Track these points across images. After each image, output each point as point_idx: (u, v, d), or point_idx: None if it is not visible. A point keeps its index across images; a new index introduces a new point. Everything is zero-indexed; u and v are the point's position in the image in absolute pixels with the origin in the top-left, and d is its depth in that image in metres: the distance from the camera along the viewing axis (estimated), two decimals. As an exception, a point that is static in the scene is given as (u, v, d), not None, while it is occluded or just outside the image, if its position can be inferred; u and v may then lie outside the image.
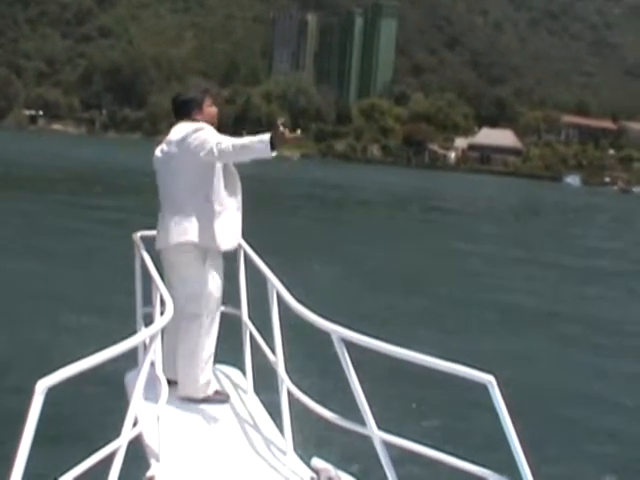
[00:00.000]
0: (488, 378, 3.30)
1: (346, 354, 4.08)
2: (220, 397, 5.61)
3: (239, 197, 5.71)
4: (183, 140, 5.55)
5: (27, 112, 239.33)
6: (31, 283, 18.30)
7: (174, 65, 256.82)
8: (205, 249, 5.48)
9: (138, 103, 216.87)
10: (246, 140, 5.30)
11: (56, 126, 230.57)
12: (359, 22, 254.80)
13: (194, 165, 5.49)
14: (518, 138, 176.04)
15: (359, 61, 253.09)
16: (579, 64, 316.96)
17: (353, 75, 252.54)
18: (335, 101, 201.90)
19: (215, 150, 5.36)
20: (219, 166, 5.55)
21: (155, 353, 4.48)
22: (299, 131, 5.70)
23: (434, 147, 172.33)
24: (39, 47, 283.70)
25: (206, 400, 5.49)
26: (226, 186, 5.60)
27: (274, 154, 5.20)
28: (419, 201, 63.18)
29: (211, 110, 5.95)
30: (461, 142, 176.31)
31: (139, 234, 5.86)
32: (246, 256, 5.75)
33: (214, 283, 5.53)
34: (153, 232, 5.78)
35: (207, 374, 5.56)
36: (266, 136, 5.18)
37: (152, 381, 4.53)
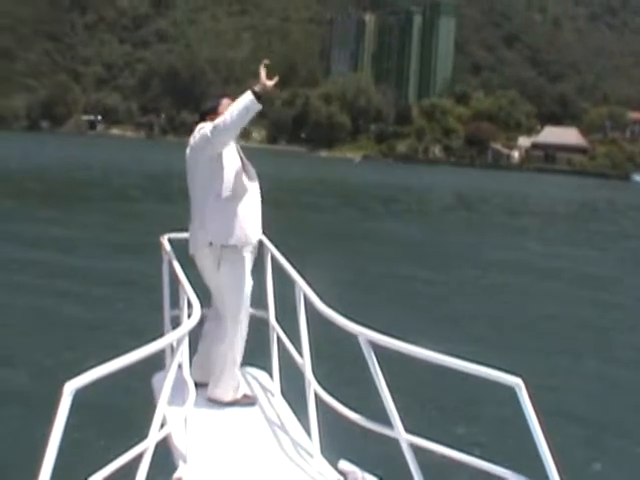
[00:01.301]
0: (516, 381, 3.32)
1: (373, 356, 4.11)
2: (248, 400, 5.61)
3: (254, 193, 5.61)
4: (192, 141, 5.64)
5: (86, 117, 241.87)
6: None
7: (232, 67, 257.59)
8: (221, 249, 5.43)
9: (196, 106, 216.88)
10: (233, 105, 5.33)
11: (115, 131, 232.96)
12: (417, 21, 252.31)
13: (202, 164, 5.50)
14: (582, 136, 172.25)
15: (418, 60, 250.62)
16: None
17: (412, 75, 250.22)
18: (395, 101, 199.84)
19: (209, 133, 5.39)
20: (228, 163, 5.47)
21: (182, 355, 4.64)
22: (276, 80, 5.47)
23: (497, 146, 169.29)
24: (97, 53, 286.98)
25: (234, 403, 5.52)
26: (238, 183, 5.49)
27: (260, 106, 5.24)
28: (493, 202, 61.31)
29: (223, 113, 5.59)
30: (524, 141, 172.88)
31: (167, 236, 5.88)
32: (273, 258, 5.73)
33: (235, 283, 5.46)
34: (181, 234, 5.90)
35: (235, 377, 5.58)
36: (248, 91, 5.24)
37: (179, 383, 4.52)
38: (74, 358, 11.90)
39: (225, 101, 5.77)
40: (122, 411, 10.02)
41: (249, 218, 5.54)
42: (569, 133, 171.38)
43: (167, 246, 5.80)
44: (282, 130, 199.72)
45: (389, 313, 16.59)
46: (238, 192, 5.50)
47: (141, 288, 17.59)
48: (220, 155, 5.49)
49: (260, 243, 5.81)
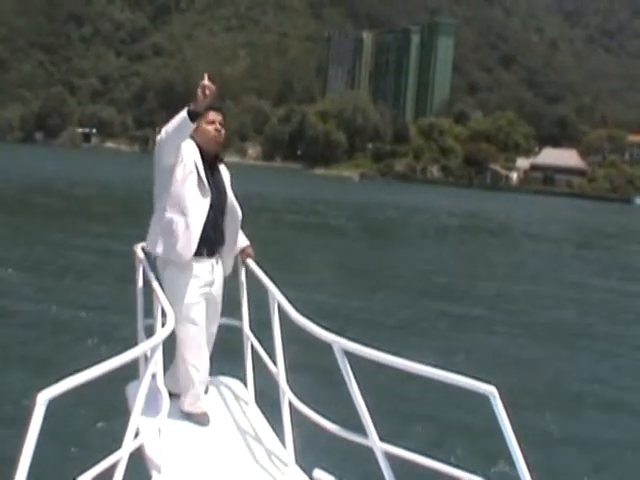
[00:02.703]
0: (490, 389, 3.32)
1: (348, 365, 4.14)
2: (199, 419, 5.41)
3: (203, 207, 5.43)
4: None
5: (81, 130, 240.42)
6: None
7: (228, 83, 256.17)
8: (168, 260, 5.42)
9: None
10: (170, 122, 5.21)
11: (109, 144, 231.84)
12: (415, 40, 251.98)
13: (157, 175, 5.50)
14: (581, 158, 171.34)
15: (415, 80, 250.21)
16: (637, 82, 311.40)
17: (409, 94, 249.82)
18: (392, 120, 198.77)
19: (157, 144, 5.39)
20: (179, 178, 5.36)
21: (156, 365, 4.62)
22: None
23: (496, 167, 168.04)
24: (93, 65, 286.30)
25: (188, 415, 5.42)
26: (184, 198, 5.37)
27: (193, 125, 5.15)
28: (495, 226, 59.68)
29: (204, 129, 5.55)
30: (523, 162, 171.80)
31: (140, 245, 5.74)
32: (247, 267, 5.80)
33: (174, 294, 5.33)
34: None
35: (190, 388, 5.45)
36: (184, 109, 5.12)
37: (154, 393, 4.58)
38: (47, 368, 11.86)
39: (211, 115, 5.57)
40: (96, 421, 9.93)
41: (184, 234, 5.36)
42: (568, 155, 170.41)
43: (140, 254, 5.68)
44: (278, 147, 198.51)
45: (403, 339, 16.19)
46: (181, 207, 5.37)
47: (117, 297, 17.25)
48: (172, 168, 5.36)
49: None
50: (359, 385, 4.11)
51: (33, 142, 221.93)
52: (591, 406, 13.31)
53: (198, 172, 5.43)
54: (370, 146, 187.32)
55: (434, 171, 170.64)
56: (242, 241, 5.91)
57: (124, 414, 4.40)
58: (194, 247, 5.41)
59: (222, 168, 5.75)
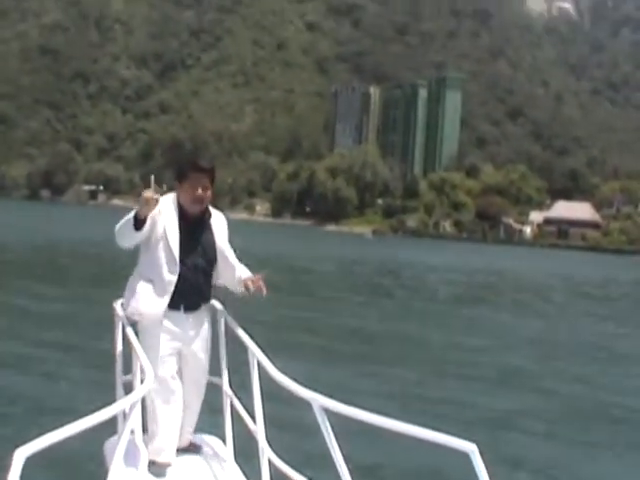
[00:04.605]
0: (470, 447, 3.29)
1: (327, 423, 4.13)
2: (157, 469, 5.38)
3: (172, 270, 5.48)
4: None
5: (87, 187, 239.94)
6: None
7: (235, 140, 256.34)
8: (133, 320, 5.55)
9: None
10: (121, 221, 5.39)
11: (116, 201, 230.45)
12: (423, 94, 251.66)
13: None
14: (595, 210, 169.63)
15: (423, 134, 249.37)
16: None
17: (417, 148, 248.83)
18: (402, 175, 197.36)
19: None
20: (152, 242, 5.48)
21: (135, 421, 4.69)
22: (156, 194, 5.29)
23: (509, 221, 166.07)
24: (99, 122, 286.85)
25: (149, 464, 5.30)
26: (156, 260, 5.47)
27: (138, 234, 5.31)
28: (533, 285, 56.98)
29: (186, 191, 5.53)
30: (536, 216, 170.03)
31: (119, 301, 5.80)
32: (227, 325, 5.82)
33: (146, 350, 5.24)
34: None
35: (154, 441, 5.48)
36: (132, 212, 5.28)
37: (132, 449, 4.59)
38: (22, 426, 11.48)
39: (194, 177, 5.49)
40: (74, 478, 9.84)
41: (150, 296, 5.47)
42: (581, 208, 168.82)
43: (120, 311, 5.72)
44: (286, 203, 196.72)
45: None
46: (149, 271, 5.49)
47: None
48: (143, 238, 5.44)
49: (213, 309, 5.87)
50: (339, 442, 4.09)
51: (39, 199, 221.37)
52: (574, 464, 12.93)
53: (167, 238, 5.44)
54: (380, 201, 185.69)
55: (447, 226, 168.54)
56: (244, 273, 5.67)
57: (102, 471, 4.39)
58: (158, 308, 5.47)
59: (214, 220, 5.70)
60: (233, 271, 5.68)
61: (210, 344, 5.78)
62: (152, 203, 5.17)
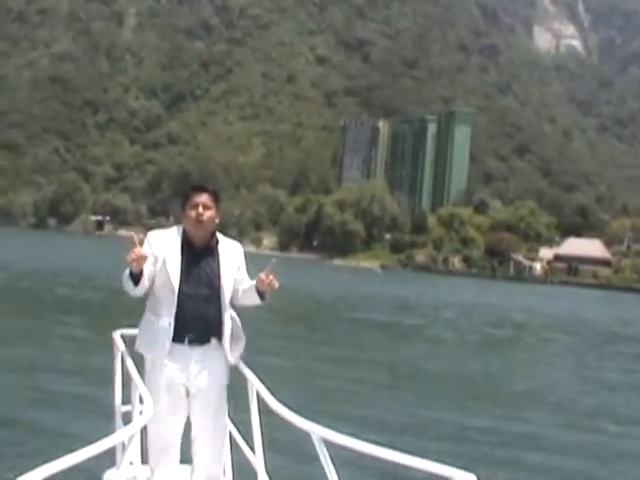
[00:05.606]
0: (470, 477, 3.32)
1: (326, 454, 4.14)
2: None
3: (167, 303, 5.43)
4: None
5: (94, 217, 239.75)
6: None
7: (243, 172, 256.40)
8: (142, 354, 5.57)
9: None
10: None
11: (122, 232, 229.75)
12: (432, 129, 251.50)
13: None
14: (606, 247, 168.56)
15: (432, 169, 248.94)
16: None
17: (425, 183, 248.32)
18: (410, 209, 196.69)
19: None
20: (157, 279, 5.46)
21: (133, 452, 4.74)
22: (144, 242, 5.42)
23: (518, 258, 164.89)
24: (108, 152, 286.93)
25: None
26: (156, 292, 5.48)
27: (138, 289, 5.31)
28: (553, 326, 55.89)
29: (187, 214, 5.50)
30: (546, 252, 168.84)
31: (119, 332, 5.90)
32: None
33: (147, 383, 5.35)
34: (133, 330, 5.80)
35: (157, 470, 5.48)
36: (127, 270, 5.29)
37: None
38: (22, 456, 11.41)
39: (194, 198, 5.47)
40: None
41: (154, 333, 5.44)
42: (592, 245, 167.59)
43: (119, 342, 5.79)
44: (294, 237, 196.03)
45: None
46: (154, 307, 5.49)
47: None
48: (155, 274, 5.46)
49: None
50: (338, 473, 4.09)
51: (46, 228, 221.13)
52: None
53: (167, 268, 5.40)
54: (388, 236, 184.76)
55: (455, 262, 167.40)
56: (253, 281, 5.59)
57: None
58: (159, 342, 5.41)
59: (223, 248, 5.59)
60: (252, 293, 5.55)
61: (225, 382, 5.55)
62: (141, 261, 5.14)
